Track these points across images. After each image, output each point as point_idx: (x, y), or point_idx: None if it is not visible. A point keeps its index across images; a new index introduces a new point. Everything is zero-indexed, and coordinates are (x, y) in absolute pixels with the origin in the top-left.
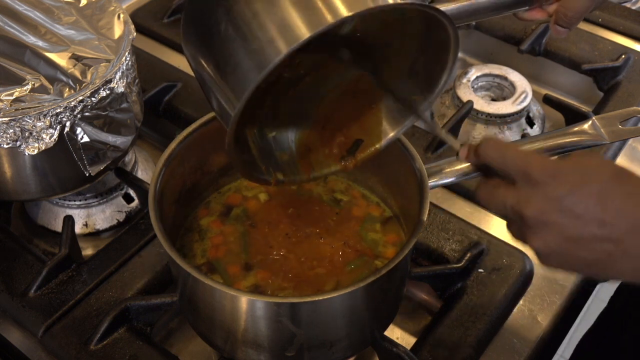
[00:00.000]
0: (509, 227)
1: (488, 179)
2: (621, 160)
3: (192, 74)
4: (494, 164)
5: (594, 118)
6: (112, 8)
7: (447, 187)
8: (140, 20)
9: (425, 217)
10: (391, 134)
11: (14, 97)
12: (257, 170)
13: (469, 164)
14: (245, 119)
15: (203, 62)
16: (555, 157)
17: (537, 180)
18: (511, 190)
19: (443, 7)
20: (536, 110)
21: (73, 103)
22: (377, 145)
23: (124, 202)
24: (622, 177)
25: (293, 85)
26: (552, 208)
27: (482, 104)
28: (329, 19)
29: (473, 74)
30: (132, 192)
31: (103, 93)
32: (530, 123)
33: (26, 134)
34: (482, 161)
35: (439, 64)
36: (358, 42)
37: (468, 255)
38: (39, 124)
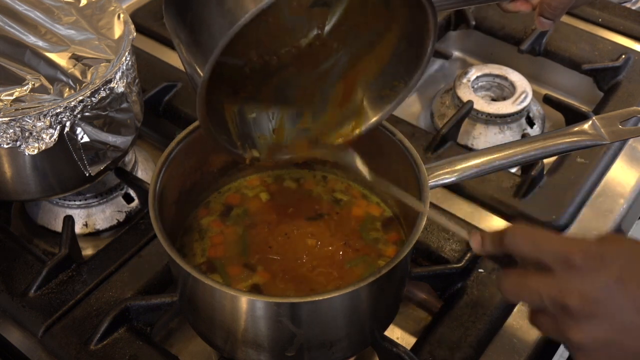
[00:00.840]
0: (537, 319)
1: (511, 268)
2: (621, 161)
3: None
4: (526, 253)
5: (594, 118)
6: (112, 8)
7: (447, 187)
8: (140, 20)
9: (425, 218)
10: (373, 119)
11: (14, 97)
12: (232, 145)
13: (471, 162)
14: (222, 94)
15: (182, 33)
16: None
17: (581, 266)
18: (547, 278)
19: None
20: (536, 110)
21: (73, 103)
22: (358, 131)
23: (124, 202)
24: None
25: (276, 73)
26: (603, 296)
27: (482, 104)
28: None
29: (473, 74)
30: (132, 192)
31: (103, 93)
32: (530, 123)
33: (26, 134)
34: (508, 252)
35: (419, 48)
36: (342, 29)
37: (468, 255)
38: (39, 124)
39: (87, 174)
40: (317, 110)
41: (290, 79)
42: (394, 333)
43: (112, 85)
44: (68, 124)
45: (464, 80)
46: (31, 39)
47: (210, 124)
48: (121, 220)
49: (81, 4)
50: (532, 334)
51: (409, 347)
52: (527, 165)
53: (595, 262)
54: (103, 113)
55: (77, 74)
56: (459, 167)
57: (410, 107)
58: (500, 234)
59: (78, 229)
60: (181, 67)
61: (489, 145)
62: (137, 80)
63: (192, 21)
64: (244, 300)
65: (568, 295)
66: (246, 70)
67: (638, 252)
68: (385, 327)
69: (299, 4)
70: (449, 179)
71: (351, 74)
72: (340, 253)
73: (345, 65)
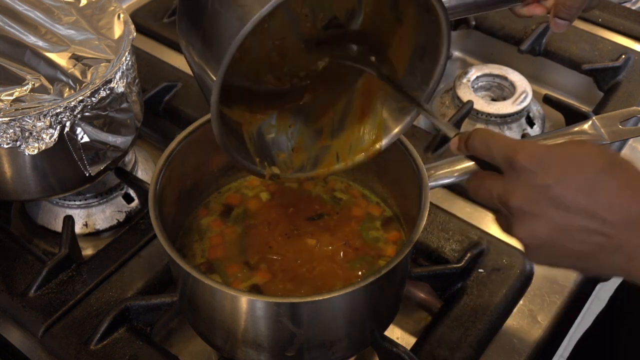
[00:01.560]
0: (498, 220)
1: (479, 172)
2: None
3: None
4: (480, 154)
5: (594, 118)
6: (112, 8)
7: (447, 187)
8: (140, 20)
9: (424, 218)
10: (395, 131)
11: (14, 97)
12: (250, 162)
13: (470, 162)
14: (240, 116)
15: (194, 45)
16: (544, 141)
17: (523, 168)
18: (498, 180)
19: None
20: (536, 110)
21: (73, 103)
22: (378, 145)
23: (124, 202)
24: (615, 167)
25: (295, 95)
26: (539, 197)
27: (482, 104)
28: None
29: (473, 74)
30: (132, 192)
31: (103, 93)
32: (531, 123)
33: (26, 134)
34: (470, 152)
35: (434, 55)
36: (360, 45)
37: (468, 255)
38: (39, 124)
39: (87, 174)
40: (336, 127)
41: (309, 100)
42: (394, 333)
43: (112, 85)
44: (68, 124)
45: (464, 80)
46: (31, 39)
47: (228, 142)
48: (121, 220)
49: (81, 4)
50: (532, 334)
51: (409, 347)
52: None
53: (536, 165)
54: (103, 113)
55: (77, 74)
56: (459, 167)
57: None
58: (465, 136)
59: (78, 229)
60: (181, 67)
61: None
62: (137, 80)
63: (205, 34)
64: (244, 300)
65: (510, 195)
66: (263, 94)
67: (584, 157)
68: (385, 327)
69: (312, 26)
70: (449, 179)
71: (369, 89)
72: (340, 253)
73: (362, 81)
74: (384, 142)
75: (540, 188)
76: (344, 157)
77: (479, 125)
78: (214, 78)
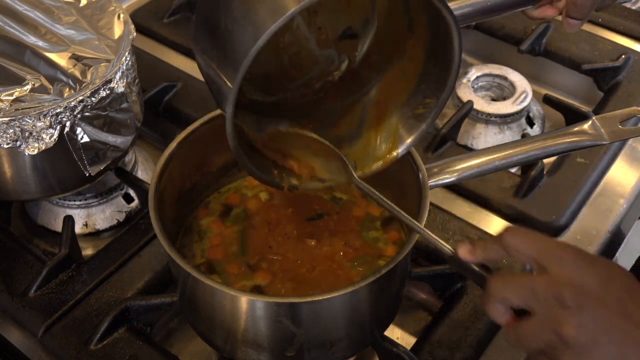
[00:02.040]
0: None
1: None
2: (621, 161)
3: (192, 74)
4: (528, 253)
5: (594, 118)
6: (112, 8)
7: (447, 187)
8: (140, 20)
9: (424, 218)
10: (409, 140)
11: (14, 97)
12: (268, 175)
13: (476, 169)
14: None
15: (209, 54)
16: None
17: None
18: (539, 276)
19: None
20: (536, 110)
21: (73, 103)
22: (395, 153)
23: (124, 202)
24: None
25: (312, 107)
26: (595, 286)
27: (482, 104)
28: None
29: (473, 74)
30: (132, 192)
31: (103, 93)
32: (530, 123)
33: (26, 134)
34: (508, 252)
35: (447, 61)
36: (372, 57)
37: None
38: (39, 124)
39: (87, 174)
40: (352, 137)
41: (325, 110)
42: (394, 333)
43: (112, 85)
44: (68, 124)
45: (464, 80)
46: (31, 39)
47: (244, 154)
48: (121, 220)
49: (81, 4)
50: None
51: (409, 347)
52: (527, 165)
53: (583, 260)
54: (103, 113)
55: (77, 74)
56: (459, 167)
57: None
58: (498, 236)
59: (78, 229)
60: (181, 67)
61: (489, 145)
62: (137, 80)
63: (219, 42)
64: (244, 300)
65: (562, 288)
66: (281, 107)
67: (614, 270)
68: (385, 327)
69: (327, 37)
70: (449, 179)
71: (384, 98)
72: (340, 253)
73: (377, 90)
74: (400, 150)
75: (599, 276)
76: (362, 165)
77: (479, 125)
78: (230, 87)
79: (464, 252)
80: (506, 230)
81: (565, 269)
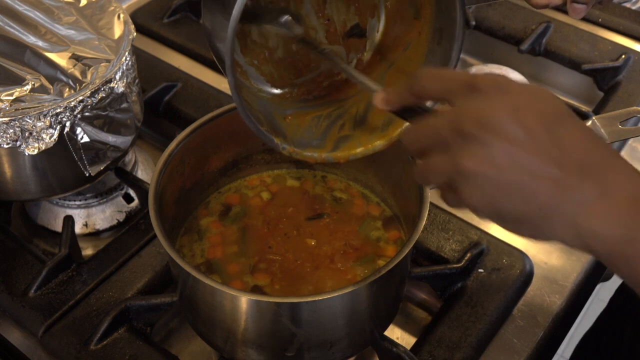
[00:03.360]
0: (443, 189)
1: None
2: None
3: (192, 74)
4: (436, 89)
5: (594, 118)
6: (112, 8)
7: None
8: (140, 20)
9: (424, 218)
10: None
11: (14, 97)
12: (267, 138)
13: None
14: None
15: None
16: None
17: (485, 90)
18: (448, 111)
19: None
20: None
21: (73, 103)
22: (400, 130)
23: (124, 202)
24: (573, 117)
25: (318, 99)
26: (497, 120)
27: None
28: None
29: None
30: (132, 192)
31: (103, 93)
32: None
33: (26, 134)
34: (419, 95)
35: (450, 34)
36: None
37: (468, 255)
38: (39, 124)
39: (87, 174)
40: (357, 121)
41: (332, 97)
42: (394, 333)
43: (112, 85)
44: (68, 124)
45: None
46: (31, 39)
47: (250, 114)
48: (121, 220)
49: (81, 4)
50: (532, 334)
51: (409, 347)
52: None
53: (497, 89)
54: (103, 113)
55: (77, 74)
56: None
57: None
58: (409, 82)
59: (78, 229)
60: (181, 67)
61: None
62: (137, 80)
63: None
64: (244, 300)
65: (465, 115)
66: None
67: (537, 94)
68: (385, 327)
69: (335, 31)
70: None
71: (390, 81)
72: (341, 253)
73: (384, 75)
74: (405, 127)
75: (499, 111)
76: (364, 143)
77: None
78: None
79: (380, 102)
80: (415, 74)
81: (472, 102)
